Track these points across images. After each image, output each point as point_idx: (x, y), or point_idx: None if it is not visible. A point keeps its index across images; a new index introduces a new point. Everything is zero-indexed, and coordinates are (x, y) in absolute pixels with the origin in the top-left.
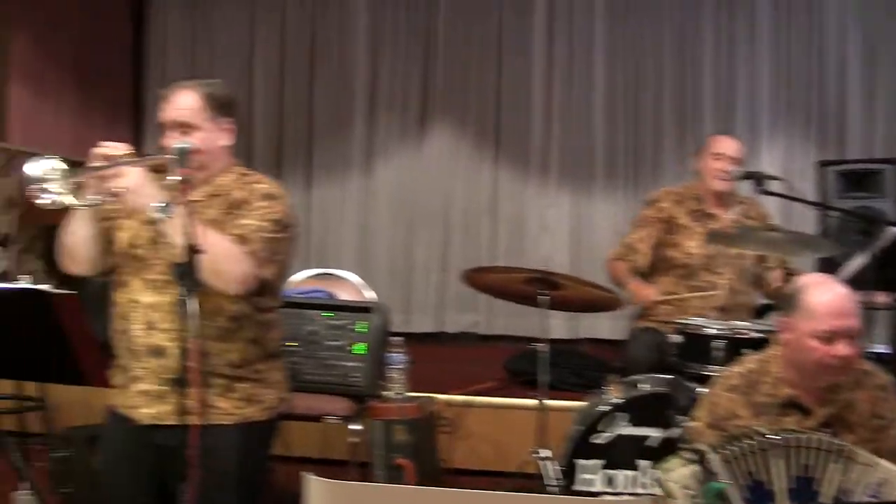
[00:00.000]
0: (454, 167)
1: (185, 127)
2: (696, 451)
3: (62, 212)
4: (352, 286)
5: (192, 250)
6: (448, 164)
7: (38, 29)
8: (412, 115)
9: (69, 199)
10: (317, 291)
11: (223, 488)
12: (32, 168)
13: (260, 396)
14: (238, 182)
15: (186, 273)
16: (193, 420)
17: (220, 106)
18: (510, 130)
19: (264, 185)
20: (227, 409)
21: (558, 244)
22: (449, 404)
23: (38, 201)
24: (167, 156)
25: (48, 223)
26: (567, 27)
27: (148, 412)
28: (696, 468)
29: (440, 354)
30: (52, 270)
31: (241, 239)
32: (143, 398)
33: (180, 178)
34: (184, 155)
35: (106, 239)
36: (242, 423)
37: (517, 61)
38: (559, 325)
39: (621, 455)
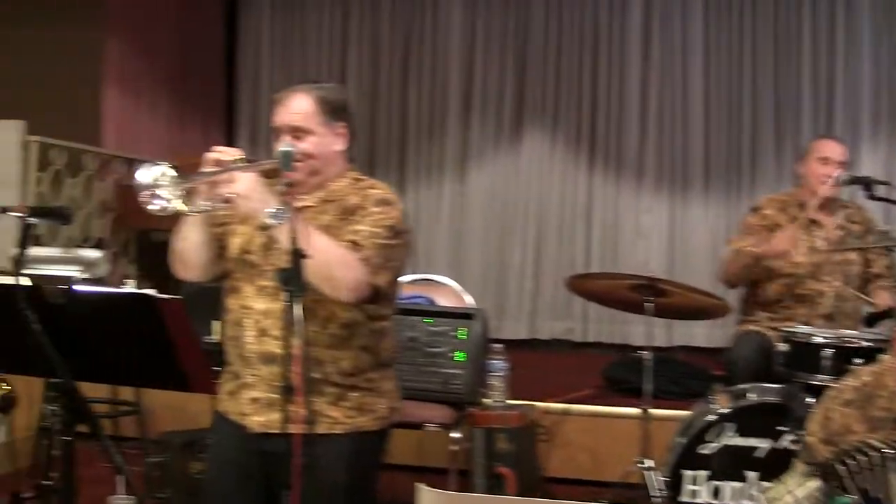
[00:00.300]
0: (548, 171)
1: (298, 131)
2: (820, 466)
3: (155, 216)
4: (451, 292)
5: (298, 255)
6: (542, 169)
7: (132, 33)
8: (506, 118)
9: (180, 206)
10: (417, 297)
11: (332, 500)
12: (143, 175)
13: (372, 406)
14: (352, 187)
15: (291, 278)
16: (300, 429)
17: (334, 110)
18: (605, 133)
19: (378, 190)
20: (338, 418)
21: (654, 250)
22: (546, 412)
23: (149, 207)
24: (277, 160)
25: (142, 227)
26: (664, 28)
27: (258, 420)
28: (819, 483)
29: (533, 361)
30: (145, 274)
31: (355, 245)
32: (253, 406)
33: (286, 182)
34: (288, 158)
35: (219, 244)
36: (353, 433)
37: (613, 63)
38: (655, 333)
39: (728, 466)
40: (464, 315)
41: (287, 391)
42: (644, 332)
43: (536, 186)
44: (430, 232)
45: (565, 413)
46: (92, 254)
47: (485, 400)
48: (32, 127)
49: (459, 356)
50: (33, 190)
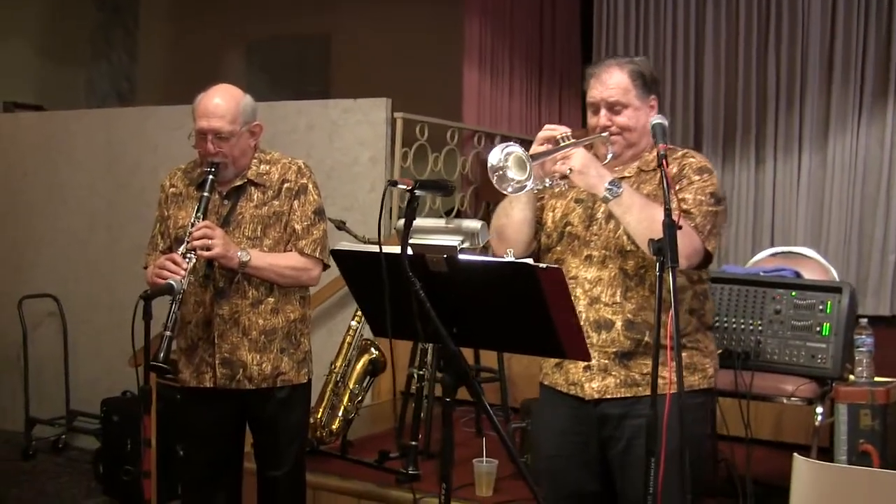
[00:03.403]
0: None
1: (615, 105)
2: None
3: None
4: (816, 265)
5: (671, 226)
6: None
7: (490, 11)
8: (868, 86)
9: (526, 184)
10: (783, 270)
11: (669, 458)
12: (493, 156)
13: (700, 365)
14: (667, 158)
15: (664, 248)
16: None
17: (647, 83)
18: None
19: (695, 158)
20: (672, 378)
21: None
22: None
23: (500, 188)
24: (602, 134)
25: (498, 200)
26: None
27: (593, 386)
28: None
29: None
30: None
31: (684, 213)
32: (586, 373)
33: (660, 154)
34: (663, 131)
35: (537, 221)
36: (686, 392)
37: None
38: None
39: None
40: (832, 289)
41: (625, 356)
42: None
43: None
44: (789, 204)
45: None
46: (473, 224)
47: (850, 376)
48: (397, 104)
49: (826, 330)
50: (399, 164)
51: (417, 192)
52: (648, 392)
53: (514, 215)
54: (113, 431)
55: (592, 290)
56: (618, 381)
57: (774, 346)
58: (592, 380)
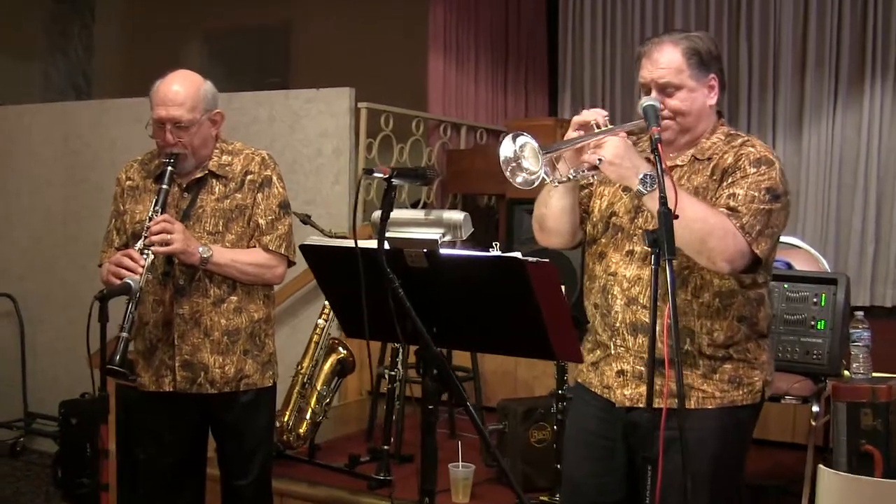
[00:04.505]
0: (890, 127)
1: (667, 87)
2: None
3: (483, 181)
4: (806, 255)
5: (667, 215)
6: (888, 125)
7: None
8: (844, 73)
9: (544, 176)
10: (775, 261)
11: (698, 477)
12: (505, 148)
13: (747, 379)
14: (726, 144)
15: (660, 240)
16: (668, 404)
17: (703, 61)
18: None
19: (755, 148)
20: (711, 392)
21: None
22: None
23: (514, 181)
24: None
25: (466, 192)
26: None
27: (624, 393)
28: None
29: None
30: (468, 239)
31: (732, 211)
32: (619, 379)
33: (655, 140)
34: (654, 113)
35: (582, 209)
36: (726, 408)
37: None
38: None
39: None
40: (826, 280)
41: (655, 364)
42: None
43: (879, 144)
44: None
45: None
46: (455, 215)
47: (846, 372)
48: (361, 94)
49: (821, 325)
50: (364, 155)
51: (395, 181)
52: (685, 405)
53: (552, 204)
54: (71, 435)
55: (631, 290)
56: (651, 390)
57: None
58: (625, 386)
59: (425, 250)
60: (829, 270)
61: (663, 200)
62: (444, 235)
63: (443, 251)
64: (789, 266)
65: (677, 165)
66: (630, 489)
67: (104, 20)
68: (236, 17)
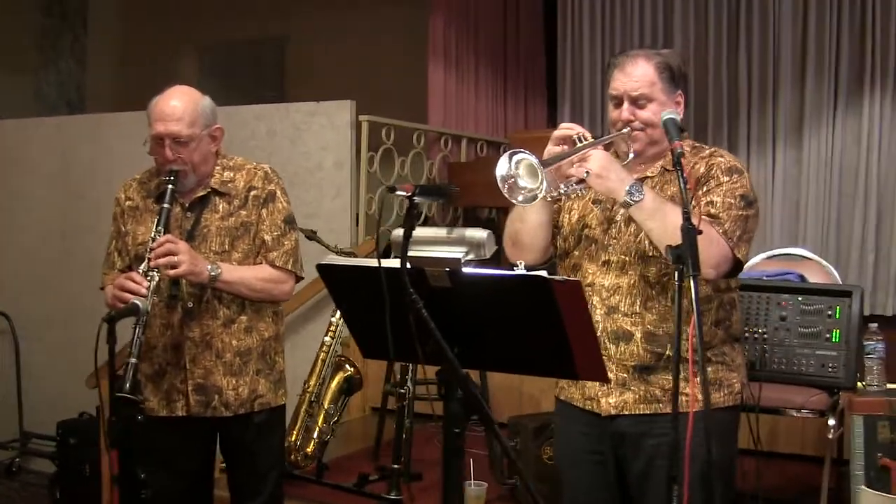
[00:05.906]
0: (891, 136)
1: (639, 99)
2: None
3: (484, 194)
4: (817, 267)
5: (690, 231)
6: (888, 133)
7: (454, 11)
8: (843, 81)
9: (539, 192)
10: (787, 273)
11: (693, 478)
12: (501, 167)
13: (726, 381)
14: (693, 156)
15: (683, 256)
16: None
17: (674, 77)
18: None
19: (724, 158)
20: (694, 394)
21: None
22: None
23: (513, 199)
24: (623, 130)
25: (468, 205)
26: None
27: (609, 401)
28: None
29: None
30: None
31: (713, 218)
32: (602, 387)
33: (677, 153)
34: (675, 127)
35: (554, 224)
36: (710, 410)
37: None
38: None
39: None
40: (840, 292)
41: (644, 370)
42: None
43: (880, 152)
44: (763, 202)
45: None
46: (478, 234)
47: (860, 384)
48: (362, 106)
49: (836, 337)
50: (365, 169)
51: (417, 199)
52: (670, 409)
53: (529, 219)
54: (70, 455)
55: (610, 299)
56: (637, 396)
57: (781, 355)
58: (609, 394)
59: (448, 269)
60: (841, 282)
61: (686, 216)
62: (467, 254)
63: (466, 270)
64: (802, 278)
65: (647, 177)
66: (624, 499)
67: (97, 34)
68: (231, 31)
